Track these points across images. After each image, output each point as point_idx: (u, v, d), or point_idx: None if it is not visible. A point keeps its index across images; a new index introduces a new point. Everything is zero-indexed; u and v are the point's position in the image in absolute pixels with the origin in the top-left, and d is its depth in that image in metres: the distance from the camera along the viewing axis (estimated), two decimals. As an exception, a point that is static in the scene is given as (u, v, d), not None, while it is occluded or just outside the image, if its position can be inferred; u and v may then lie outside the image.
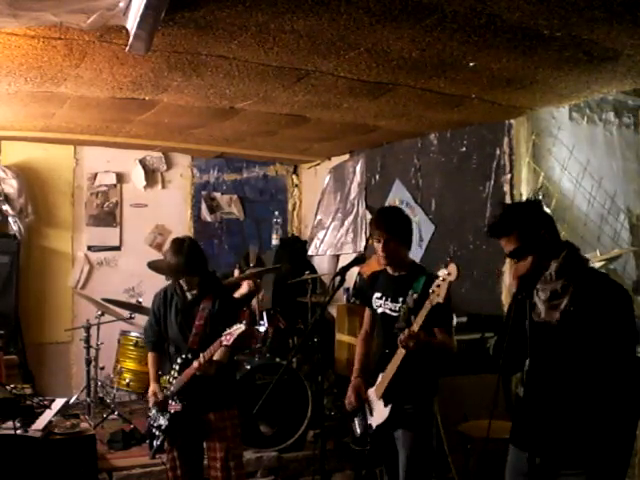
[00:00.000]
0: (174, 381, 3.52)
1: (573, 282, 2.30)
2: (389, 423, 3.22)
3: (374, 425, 3.29)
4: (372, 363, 3.45)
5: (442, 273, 2.96)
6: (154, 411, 3.59)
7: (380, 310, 3.39)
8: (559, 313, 2.31)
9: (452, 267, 2.93)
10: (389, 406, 3.20)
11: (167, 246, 3.73)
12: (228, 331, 3.38)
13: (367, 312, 3.56)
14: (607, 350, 2.23)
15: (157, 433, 3.55)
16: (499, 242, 2.44)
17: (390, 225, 3.30)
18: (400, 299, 3.27)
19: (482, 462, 3.54)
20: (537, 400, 2.40)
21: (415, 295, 3.17)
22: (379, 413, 3.27)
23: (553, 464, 2.30)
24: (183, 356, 3.52)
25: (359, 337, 3.61)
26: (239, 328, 3.37)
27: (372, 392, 3.33)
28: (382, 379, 3.23)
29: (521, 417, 2.52)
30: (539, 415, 2.36)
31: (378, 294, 3.42)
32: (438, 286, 2.95)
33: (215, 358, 3.42)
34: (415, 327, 3.01)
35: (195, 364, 3.43)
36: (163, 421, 3.53)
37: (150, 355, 3.72)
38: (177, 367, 3.53)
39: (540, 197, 2.53)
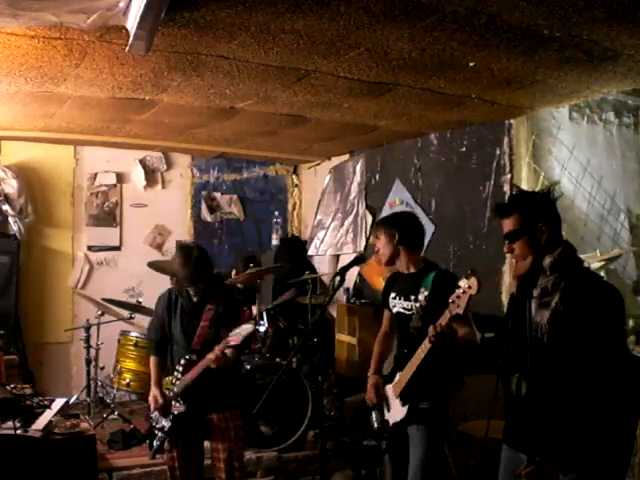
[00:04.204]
0: (177, 382, 3.52)
1: (565, 279, 2.31)
2: (405, 422, 3.25)
3: (391, 422, 3.33)
4: (391, 362, 3.49)
5: (463, 284, 2.73)
6: (156, 413, 3.59)
7: (395, 309, 3.43)
8: (549, 312, 2.31)
9: (473, 281, 2.67)
10: (406, 406, 3.23)
11: (174, 252, 3.70)
12: (236, 331, 3.37)
13: (385, 313, 3.62)
14: (597, 352, 2.22)
15: (159, 434, 3.55)
16: (502, 224, 2.47)
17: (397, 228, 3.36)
18: (412, 297, 3.29)
19: (482, 462, 3.54)
20: (534, 402, 2.40)
21: (426, 292, 3.19)
22: (396, 411, 3.29)
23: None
24: (187, 357, 3.52)
25: (377, 337, 3.67)
26: (247, 329, 3.37)
27: (390, 389, 3.35)
28: (400, 378, 3.25)
29: (516, 417, 2.51)
30: (536, 418, 2.35)
31: (393, 294, 3.47)
32: (458, 297, 2.76)
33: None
34: (442, 321, 2.88)
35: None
36: (166, 423, 3.53)
37: (153, 359, 3.70)
38: (180, 368, 3.53)
39: (555, 192, 2.49)
